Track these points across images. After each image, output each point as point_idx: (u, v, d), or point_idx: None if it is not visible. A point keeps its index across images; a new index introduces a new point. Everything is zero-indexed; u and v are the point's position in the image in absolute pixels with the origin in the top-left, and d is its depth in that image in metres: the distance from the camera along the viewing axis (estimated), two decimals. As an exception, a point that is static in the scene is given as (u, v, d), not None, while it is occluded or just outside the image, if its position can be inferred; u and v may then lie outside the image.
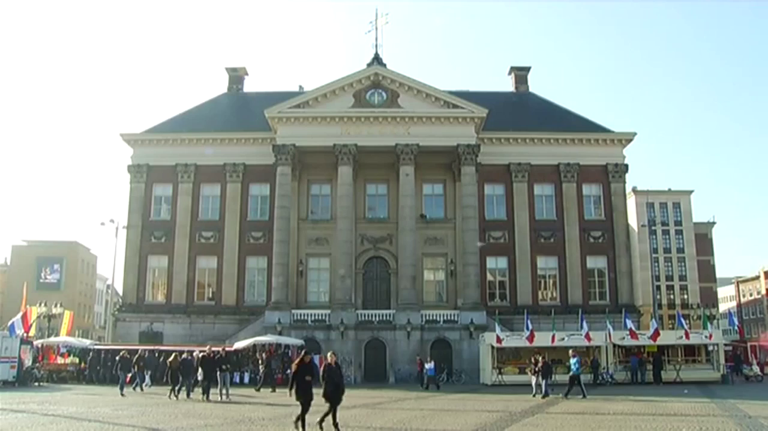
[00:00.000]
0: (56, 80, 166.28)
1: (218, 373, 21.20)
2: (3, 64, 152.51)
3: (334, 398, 12.68)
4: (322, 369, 13.31)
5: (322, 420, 12.45)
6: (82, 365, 32.47)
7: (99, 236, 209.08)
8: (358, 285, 38.64)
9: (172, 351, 24.97)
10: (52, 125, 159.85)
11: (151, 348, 31.94)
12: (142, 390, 25.24)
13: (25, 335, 29.83)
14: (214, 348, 22.99)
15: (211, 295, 39.46)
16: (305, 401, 12.55)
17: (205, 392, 20.68)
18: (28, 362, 29.29)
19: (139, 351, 27.63)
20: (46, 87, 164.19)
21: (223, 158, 40.09)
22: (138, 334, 37.57)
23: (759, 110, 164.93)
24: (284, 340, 32.55)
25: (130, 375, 25.48)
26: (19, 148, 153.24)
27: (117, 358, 26.47)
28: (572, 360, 23.65)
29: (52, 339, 35.53)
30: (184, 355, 23.69)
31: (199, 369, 21.84)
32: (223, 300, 38.89)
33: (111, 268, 40.99)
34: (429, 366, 29.13)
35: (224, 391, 21.39)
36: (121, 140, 41.18)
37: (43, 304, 37.80)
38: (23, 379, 27.86)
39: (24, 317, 30.09)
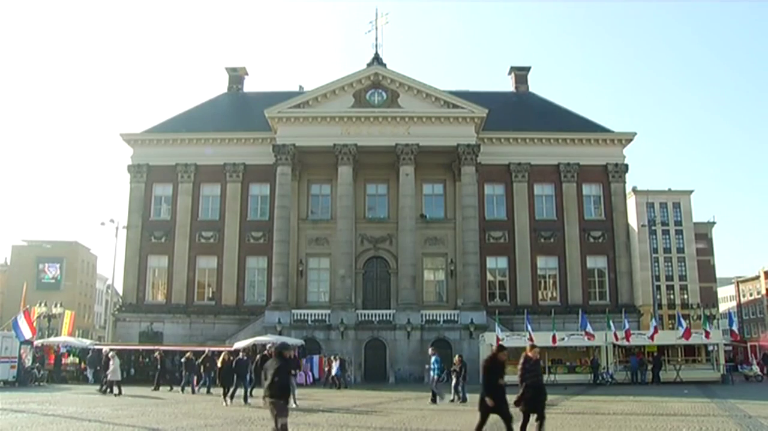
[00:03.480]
0: (56, 80, 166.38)
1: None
2: (3, 64, 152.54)
3: (534, 405, 9.57)
4: (521, 365, 9.76)
5: None
6: (82, 365, 32.47)
7: (99, 236, 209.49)
8: (358, 285, 38.64)
9: (221, 352, 23.49)
10: (52, 125, 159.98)
11: (208, 348, 29.31)
12: (209, 392, 24.19)
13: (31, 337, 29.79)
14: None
15: (211, 295, 39.46)
16: (506, 412, 9.43)
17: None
18: (28, 362, 29.27)
19: (206, 352, 26.17)
20: (47, 87, 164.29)
21: (223, 158, 40.08)
22: (138, 334, 37.57)
23: (759, 110, 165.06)
24: (284, 340, 32.53)
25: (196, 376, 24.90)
26: (19, 148, 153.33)
27: (182, 359, 25.98)
28: (431, 359, 20.82)
29: (52, 339, 35.51)
30: (240, 355, 22.09)
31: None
32: (223, 300, 38.89)
33: (111, 268, 41.03)
34: (336, 365, 29.00)
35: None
36: (121, 140, 41.19)
37: (43, 304, 37.80)
38: (23, 379, 27.84)
39: (26, 318, 29.90)
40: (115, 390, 22.92)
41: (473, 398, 21.97)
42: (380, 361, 34.87)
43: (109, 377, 23.64)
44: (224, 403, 18.86)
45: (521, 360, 9.79)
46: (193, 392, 24.00)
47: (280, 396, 8.56)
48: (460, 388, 20.19)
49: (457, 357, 21.65)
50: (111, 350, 26.53)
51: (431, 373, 20.86)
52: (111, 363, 23.65)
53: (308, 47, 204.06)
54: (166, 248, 39.70)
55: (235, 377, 19.92)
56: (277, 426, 8.50)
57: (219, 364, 20.66)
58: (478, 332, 34.35)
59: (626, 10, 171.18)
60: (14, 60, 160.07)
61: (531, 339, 31.04)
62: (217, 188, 40.48)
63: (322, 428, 13.47)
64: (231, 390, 19.40)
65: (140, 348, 33.68)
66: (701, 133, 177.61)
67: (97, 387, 25.51)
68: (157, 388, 25.94)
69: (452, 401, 19.97)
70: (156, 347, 31.70)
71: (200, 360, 24.95)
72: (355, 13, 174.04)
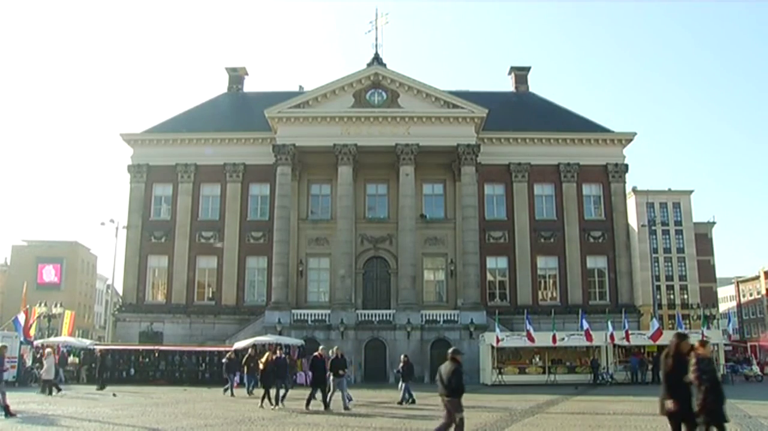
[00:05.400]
0: (56, 80, 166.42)
1: (333, 378, 17.69)
2: (3, 64, 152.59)
3: (716, 416, 7.95)
4: (695, 365, 8.26)
5: None
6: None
7: (99, 236, 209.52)
8: (358, 285, 38.63)
9: (265, 351, 22.21)
10: (52, 125, 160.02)
11: (251, 347, 28.33)
12: (251, 393, 22.67)
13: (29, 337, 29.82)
14: (321, 350, 18.91)
15: (211, 295, 39.46)
16: (685, 418, 8.01)
17: (309, 400, 17.26)
18: (28, 362, 29.29)
19: (249, 351, 25.11)
20: (47, 87, 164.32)
21: (223, 158, 40.09)
22: (138, 334, 37.58)
23: (759, 110, 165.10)
24: (284, 340, 32.55)
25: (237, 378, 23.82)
26: (19, 148, 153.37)
27: (224, 360, 25.04)
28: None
29: (52, 339, 35.50)
30: (278, 353, 21.05)
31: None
32: (223, 300, 38.89)
33: (111, 268, 41.03)
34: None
35: (339, 399, 17.67)
36: (121, 140, 41.20)
37: (43, 304, 37.78)
38: (23, 379, 27.85)
39: (26, 319, 29.82)
40: (54, 390, 22.02)
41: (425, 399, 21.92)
42: (380, 361, 34.85)
43: (42, 376, 22.95)
44: (263, 406, 17.83)
45: (693, 360, 8.54)
46: (232, 394, 22.81)
47: (454, 395, 10.00)
48: (406, 388, 19.39)
49: (402, 356, 20.82)
50: (48, 348, 26.11)
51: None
52: (45, 361, 22.83)
53: (308, 47, 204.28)
54: (166, 248, 39.70)
55: (276, 377, 18.66)
56: (455, 421, 9.92)
57: (262, 365, 19.27)
58: (478, 332, 34.36)
59: (626, 11, 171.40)
60: (15, 60, 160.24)
61: (531, 339, 31.22)
62: (217, 188, 40.48)
63: (322, 428, 13.47)
64: (277, 391, 18.40)
65: (140, 347, 33.69)
66: (701, 133, 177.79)
67: (96, 387, 25.47)
68: (102, 387, 25.53)
69: (400, 403, 18.97)
70: (100, 345, 32.14)
71: (244, 360, 23.66)
72: (355, 13, 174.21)
